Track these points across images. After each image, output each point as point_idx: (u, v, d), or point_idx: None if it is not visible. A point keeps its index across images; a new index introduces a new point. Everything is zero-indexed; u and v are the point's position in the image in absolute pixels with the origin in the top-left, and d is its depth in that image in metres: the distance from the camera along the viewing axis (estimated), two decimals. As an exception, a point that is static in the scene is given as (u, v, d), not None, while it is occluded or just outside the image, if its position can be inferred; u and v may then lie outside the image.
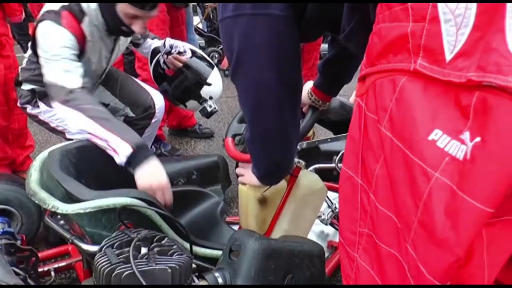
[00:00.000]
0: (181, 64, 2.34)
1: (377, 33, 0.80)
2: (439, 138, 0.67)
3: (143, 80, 2.74)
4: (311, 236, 1.78)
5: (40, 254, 1.69)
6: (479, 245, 0.70)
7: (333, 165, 1.94)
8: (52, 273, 1.69)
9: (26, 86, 2.15)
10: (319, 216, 1.84)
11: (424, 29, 0.69)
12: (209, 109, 2.44)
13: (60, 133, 2.18)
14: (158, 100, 2.46)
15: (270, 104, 1.15)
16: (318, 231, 1.99)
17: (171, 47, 2.35)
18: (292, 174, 1.64)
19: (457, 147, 0.65)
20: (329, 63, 1.47)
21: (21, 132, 2.68)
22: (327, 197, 1.80)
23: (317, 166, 2.15)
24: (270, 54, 1.07)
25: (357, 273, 0.89)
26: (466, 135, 0.64)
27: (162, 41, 2.41)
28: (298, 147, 1.78)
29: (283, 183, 1.63)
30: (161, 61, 2.39)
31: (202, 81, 2.36)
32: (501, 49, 0.60)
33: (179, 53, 2.35)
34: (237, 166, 2.56)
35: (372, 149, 0.81)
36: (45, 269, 1.69)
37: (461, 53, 0.65)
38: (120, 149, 1.55)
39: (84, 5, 1.94)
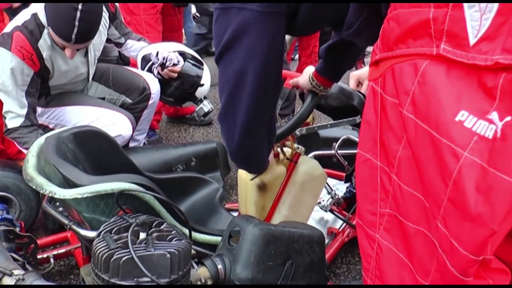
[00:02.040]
0: (176, 75, 2.40)
1: (395, 19, 0.81)
2: (466, 118, 0.70)
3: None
4: (311, 222, 1.77)
5: (39, 241, 1.68)
6: None
7: (332, 151, 1.93)
8: (51, 260, 1.68)
9: None
10: (319, 203, 1.84)
11: (448, 15, 0.72)
12: (205, 110, 2.59)
13: None
14: (152, 81, 2.48)
15: (245, 94, 1.18)
16: (318, 218, 1.99)
17: (165, 59, 2.39)
18: (292, 160, 1.63)
19: (485, 127, 0.68)
20: (332, 48, 1.45)
21: None
22: (327, 183, 1.80)
23: (316, 153, 2.14)
24: (255, 48, 1.13)
25: (379, 253, 0.91)
26: (494, 115, 0.67)
27: (154, 49, 2.43)
28: (297, 132, 1.76)
29: (282, 169, 1.63)
30: (155, 72, 2.44)
31: (196, 84, 2.46)
32: None
33: (173, 65, 2.40)
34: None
35: (392, 131, 0.83)
36: (44, 255, 1.69)
37: (485, 37, 0.68)
38: None
39: (42, 17, 1.97)
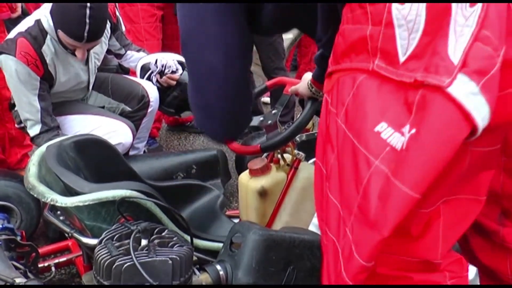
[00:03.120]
0: (174, 83, 2.41)
1: (342, 34, 0.86)
2: (384, 130, 0.74)
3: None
4: (312, 228, 1.77)
5: (40, 250, 1.68)
6: (436, 221, 0.80)
7: (332, 157, 1.93)
8: (53, 269, 1.68)
9: None
10: (319, 208, 1.84)
11: (381, 33, 0.76)
12: None
13: None
14: (151, 89, 2.48)
15: (213, 82, 1.25)
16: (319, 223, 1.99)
17: (163, 66, 2.39)
18: (292, 166, 1.63)
19: (398, 138, 0.72)
20: (326, 56, 1.45)
21: (18, 131, 2.65)
22: (327, 189, 1.80)
23: (316, 159, 2.14)
24: (216, 40, 1.19)
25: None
26: (406, 128, 0.71)
27: (153, 58, 2.44)
28: (297, 139, 1.77)
29: (282, 175, 1.63)
30: (154, 80, 2.44)
31: None
32: (442, 51, 0.68)
33: (172, 72, 2.40)
34: (236, 160, 2.56)
35: (330, 141, 0.87)
36: (45, 264, 1.68)
37: (412, 56, 0.72)
38: None
39: (45, 23, 1.99)
